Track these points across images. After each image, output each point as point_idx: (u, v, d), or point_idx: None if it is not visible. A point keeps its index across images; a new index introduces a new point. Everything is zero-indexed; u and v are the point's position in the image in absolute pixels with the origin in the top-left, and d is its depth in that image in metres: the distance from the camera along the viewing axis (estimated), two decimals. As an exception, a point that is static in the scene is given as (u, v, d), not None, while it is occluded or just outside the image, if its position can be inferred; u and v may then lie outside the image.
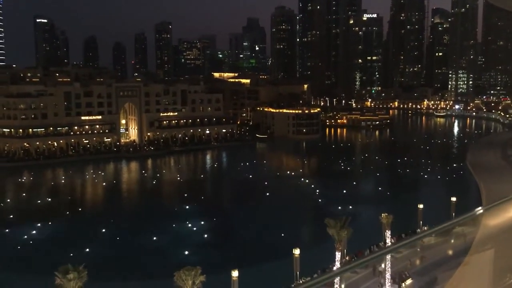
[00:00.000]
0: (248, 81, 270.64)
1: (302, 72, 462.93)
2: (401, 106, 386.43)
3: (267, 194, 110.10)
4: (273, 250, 70.54)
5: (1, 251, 72.26)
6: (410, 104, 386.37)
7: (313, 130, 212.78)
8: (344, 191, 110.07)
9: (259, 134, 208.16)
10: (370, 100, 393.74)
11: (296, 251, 48.26)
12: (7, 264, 66.54)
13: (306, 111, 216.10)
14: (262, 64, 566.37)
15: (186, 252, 71.09)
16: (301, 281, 47.93)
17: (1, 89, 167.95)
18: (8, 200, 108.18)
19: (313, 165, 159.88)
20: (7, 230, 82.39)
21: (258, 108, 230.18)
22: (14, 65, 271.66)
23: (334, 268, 48.16)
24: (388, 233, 52.79)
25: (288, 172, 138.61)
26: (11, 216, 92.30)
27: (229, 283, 44.12)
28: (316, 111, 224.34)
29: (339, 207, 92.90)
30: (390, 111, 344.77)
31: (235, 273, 43.97)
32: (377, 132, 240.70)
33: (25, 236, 78.43)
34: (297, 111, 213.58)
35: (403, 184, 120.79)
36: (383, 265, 52.49)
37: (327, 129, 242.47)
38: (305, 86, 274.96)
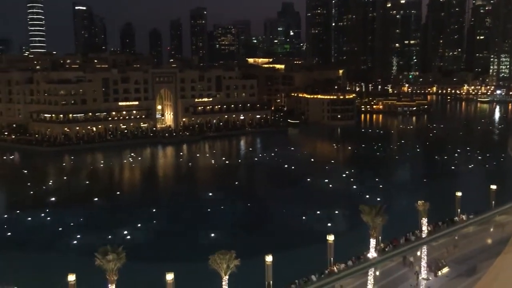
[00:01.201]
0: (282, 66, 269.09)
1: (338, 57, 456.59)
2: (440, 91, 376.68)
3: (301, 180, 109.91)
4: (306, 236, 70.62)
5: (43, 233, 75.00)
6: (449, 89, 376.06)
7: (348, 116, 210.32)
8: (379, 178, 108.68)
9: (291, 119, 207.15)
10: (407, 85, 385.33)
11: (330, 237, 48.17)
12: (50, 245, 69.03)
13: (341, 97, 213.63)
14: (296, 49, 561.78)
15: (221, 236, 72.01)
16: (335, 268, 47.90)
17: (43, 76, 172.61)
18: (50, 183, 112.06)
19: (348, 151, 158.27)
20: (49, 212, 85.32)
21: (293, 94, 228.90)
22: (54, 52, 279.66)
23: (369, 255, 47.82)
24: (424, 221, 51.94)
25: (322, 158, 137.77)
26: (53, 199, 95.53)
27: (263, 267, 44.56)
28: (351, 96, 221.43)
29: (374, 194, 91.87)
30: (428, 96, 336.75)
31: (269, 258, 44.33)
32: (414, 118, 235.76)
33: (65, 218, 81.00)
34: (332, 97, 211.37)
35: (440, 171, 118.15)
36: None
37: (363, 115, 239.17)
38: (340, 71, 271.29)
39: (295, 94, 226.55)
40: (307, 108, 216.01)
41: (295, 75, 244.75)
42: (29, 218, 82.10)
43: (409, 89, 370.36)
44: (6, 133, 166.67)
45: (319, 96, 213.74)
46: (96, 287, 42.44)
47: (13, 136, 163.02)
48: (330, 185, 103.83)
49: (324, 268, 48.42)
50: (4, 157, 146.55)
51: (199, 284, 50.01)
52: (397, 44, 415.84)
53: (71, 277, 42.98)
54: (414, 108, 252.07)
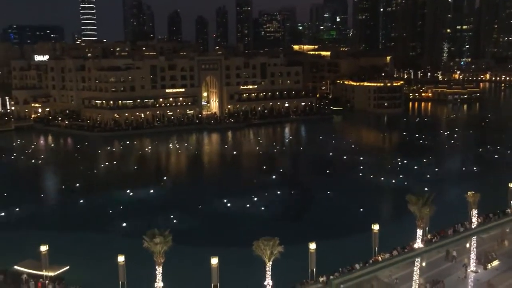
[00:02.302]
0: (328, 53, 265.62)
1: (385, 44, 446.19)
2: (494, 78, 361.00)
3: (346, 168, 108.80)
4: (351, 224, 70.11)
5: (94, 215, 77.96)
6: (503, 76, 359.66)
7: (395, 104, 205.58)
8: (427, 167, 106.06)
9: (334, 107, 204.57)
10: (458, 72, 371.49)
11: (375, 227, 47.70)
12: (100, 227, 71.68)
13: (388, 84, 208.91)
14: (343, 35, 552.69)
15: (265, 223, 72.53)
16: (379, 257, 47.45)
17: (94, 63, 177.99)
18: (101, 167, 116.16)
19: (394, 140, 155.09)
20: (99, 196, 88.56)
21: (338, 81, 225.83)
22: (105, 40, 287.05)
23: (415, 245, 47.03)
24: (474, 212, 50.44)
25: (368, 146, 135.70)
26: (103, 183, 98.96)
27: (307, 254, 44.73)
28: (398, 84, 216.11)
29: (422, 184, 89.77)
30: (481, 84, 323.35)
31: (312, 245, 44.46)
32: (465, 107, 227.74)
33: (115, 202, 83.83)
34: (378, 84, 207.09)
35: (492, 162, 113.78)
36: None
37: (410, 103, 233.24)
38: (388, 58, 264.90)
39: (341, 81, 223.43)
40: (352, 95, 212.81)
41: (341, 62, 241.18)
42: (81, 201, 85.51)
43: (460, 76, 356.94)
44: (60, 118, 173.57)
45: (365, 84, 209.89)
46: (144, 268, 43.81)
47: (66, 122, 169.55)
48: (376, 174, 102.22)
49: (368, 257, 48.07)
50: (59, 142, 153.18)
51: (243, 269, 50.74)
52: (448, 30, 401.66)
53: (121, 258, 44.75)
54: (466, 96, 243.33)
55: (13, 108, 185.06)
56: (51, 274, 48.13)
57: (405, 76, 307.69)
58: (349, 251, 55.93)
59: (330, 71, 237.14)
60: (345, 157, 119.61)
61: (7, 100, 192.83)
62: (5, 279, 48.75)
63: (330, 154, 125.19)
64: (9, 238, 60.62)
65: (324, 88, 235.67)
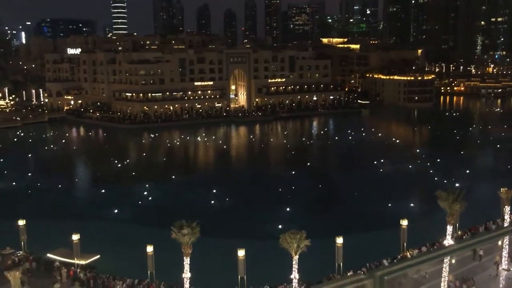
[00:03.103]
0: (357, 46, 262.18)
1: (416, 36, 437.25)
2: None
3: (375, 162, 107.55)
4: (379, 219, 69.31)
5: (124, 205, 79.38)
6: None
7: (426, 97, 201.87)
8: (459, 163, 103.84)
9: (362, 100, 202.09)
10: (492, 65, 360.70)
11: (404, 222, 47.09)
12: (130, 217, 73.02)
13: (419, 78, 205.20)
14: (373, 28, 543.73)
15: (291, 216, 72.51)
16: (408, 253, 46.83)
17: (125, 56, 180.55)
18: (131, 159, 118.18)
19: (425, 134, 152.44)
20: (129, 186, 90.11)
21: (368, 75, 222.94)
22: (135, 33, 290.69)
23: (445, 242, 46.21)
24: (507, 209, 49.15)
25: (397, 141, 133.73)
26: (133, 174, 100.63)
27: (333, 249, 44.55)
28: (430, 77, 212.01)
29: (452, 179, 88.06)
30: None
31: (339, 240, 44.23)
32: (499, 101, 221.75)
33: (145, 193, 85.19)
34: (409, 78, 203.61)
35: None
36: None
37: (442, 97, 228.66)
38: (419, 51, 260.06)
39: (370, 75, 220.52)
40: (382, 89, 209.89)
41: (370, 55, 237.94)
42: (112, 191, 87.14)
43: (494, 70, 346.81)
44: (91, 110, 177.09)
45: (396, 77, 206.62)
46: (172, 258, 44.40)
47: (98, 114, 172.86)
48: (406, 169, 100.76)
49: (396, 253, 47.53)
50: (90, 134, 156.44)
51: (269, 262, 50.89)
52: (482, 22, 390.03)
53: (149, 248, 45.52)
54: (500, 90, 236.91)
55: (46, 100, 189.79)
56: (83, 262, 49.32)
57: (437, 70, 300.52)
58: (377, 246, 55.38)
59: (359, 64, 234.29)
60: (374, 151, 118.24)
61: (41, 92, 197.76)
62: (38, 266, 50.19)
63: (359, 148, 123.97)
64: (42, 227, 62.29)
65: (353, 81, 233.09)
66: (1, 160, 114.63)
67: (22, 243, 51.59)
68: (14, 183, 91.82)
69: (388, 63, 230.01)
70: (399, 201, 77.25)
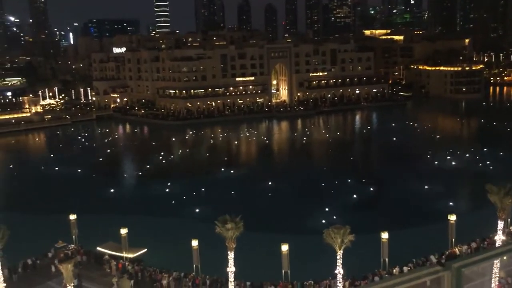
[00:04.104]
0: (401, 37, 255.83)
1: (463, 26, 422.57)
2: None
3: (421, 156, 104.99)
4: (425, 214, 67.76)
5: (169, 200, 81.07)
6: None
7: (474, 88, 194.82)
8: (509, 156, 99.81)
9: (406, 92, 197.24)
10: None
11: (452, 217, 45.82)
12: (175, 212, 74.44)
13: (467, 68, 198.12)
14: (417, 18, 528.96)
15: (335, 211, 71.93)
16: (456, 249, 45.58)
17: (167, 54, 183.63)
18: (175, 155, 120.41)
19: (473, 126, 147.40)
20: (174, 182, 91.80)
21: (412, 66, 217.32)
22: (177, 31, 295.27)
23: (496, 237, 44.63)
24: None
25: (445, 133, 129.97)
26: (177, 170, 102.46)
27: (379, 244, 43.94)
28: (478, 67, 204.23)
29: (503, 173, 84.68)
30: None
31: (384, 235, 43.58)
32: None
33: (189, 187, 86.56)
34: (455, 68, 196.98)
35: None
36: None
37: (491, 88, 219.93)
38: (466, 40, 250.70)
39: (415, 66, 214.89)
40: (427, 80, 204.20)
41: (415, 46, 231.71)
42: (157, 187, 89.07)
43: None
44: (136, 108, 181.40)
45: (441, 68, 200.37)
46: (217, 253, 45.02)
47: (143, 111, 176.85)
48: (453, 163, 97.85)
49: (444, 249, 46.35)
50: (136, 130, 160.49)
51: (313, 257, 50.76)
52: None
53: (194, 242, 46.35)
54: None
55: (94, 98, 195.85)
56: (131, 255, 50.75)
57: (485, 59, 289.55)
58: (424, 242, 54.20)
59: (403, 56, 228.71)
60: (419, 144, 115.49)
61: (89, 91, 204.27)
62: (88, 259, 52.05)
63: (404, 141, 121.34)
64: (92, 221, 64.51)
65: (396, 73, 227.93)
66: (52, 156, 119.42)
67: (74, 237, 53.60)
68: (65, 179, 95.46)
69: (433, 53, 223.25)
70: (447, 196, 75.17)
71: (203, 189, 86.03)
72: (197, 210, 74.57)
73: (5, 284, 38.55)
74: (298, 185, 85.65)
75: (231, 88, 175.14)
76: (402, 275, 38.30)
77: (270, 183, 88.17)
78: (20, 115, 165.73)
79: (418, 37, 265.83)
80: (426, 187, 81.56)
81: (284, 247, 43.31)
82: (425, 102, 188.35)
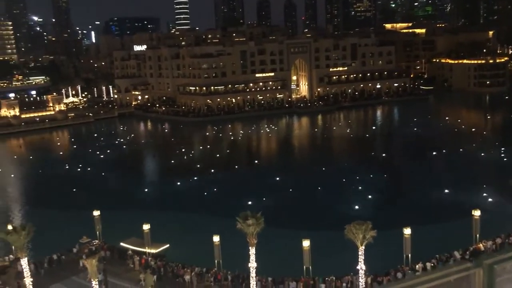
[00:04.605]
0: (423, 30, 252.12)
1: (487, 18, 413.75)
2: None
3: (444, 151, 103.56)
4: (449, 210, 66.91)
5: (191, 196, 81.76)
6: None
7: (499, 82, 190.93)
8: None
9: (427, 86, 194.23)
10: None
11: (476, 212, 45.07)
12: (197, 208, 75.03)
13: (491, 61, 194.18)
14: (439, 11, 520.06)
15: (356, 207, 71.59)
16: (481, 245, 44.85)
17: (188, 51, 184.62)
18: (196, 151, 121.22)
19: (498, 120, 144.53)
20: (195, 178, 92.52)
21: (434, 60, 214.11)
22: (197, 28, 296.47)
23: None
24: None
25: (468, 128, 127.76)
26: (199, 165, 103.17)
27: (401, 240, 43.55)
28: (503, 60, 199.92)
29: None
30: None
31: (407, 231, 43.14)
32: None
33: (210, 184, 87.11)
34: (479, 61, 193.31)
35: None
36: None
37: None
38: (490, 33, 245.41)
39: (437, 60, 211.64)
40: (450, 74, 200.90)
41: (437, 39, 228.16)
42: (179, 183, 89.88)
43: None
44: (157, 105, 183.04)
45: (465, 61, 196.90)
46: (238, 248, 45.19)
47: (163, 108, 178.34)
48: (477, 158, 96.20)
49: (468, 244, 45.65)
50: (157, 127, 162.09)
51: (335, 253, 50.60)
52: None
53: (216, 238, 46.63)
54: None
55: (116, 96, 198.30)
56: (153, 251, 51.35)
57: (510, 52, 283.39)
58: (447, 237, 53.55)
59: (425, 49, 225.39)
60: (442, 139, 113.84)
61: (111, 88, 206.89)
62: (112, 255, 52.82)
63: (426, 136, 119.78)
64: (116, 217, 65.47)
65: (418, 67, 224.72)
66: (76, 153, 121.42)
67: (97, 232, 54.46)
68: (89, 176, 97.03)
69: (456, 46, 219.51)
70: (470, 191, 74.04)
71: (224, 185, 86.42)
72: (219, 206, 74.95)
73: (31, 279, 39.40)
74: (319, 180, 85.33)
75: (251, 84, 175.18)
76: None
77: (290, 178, 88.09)
78: (44, 113, 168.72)
79: (441, 30, 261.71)
80: (449, 182, 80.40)
81: (306, 243, 43.24)
82: (448, 96, 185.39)
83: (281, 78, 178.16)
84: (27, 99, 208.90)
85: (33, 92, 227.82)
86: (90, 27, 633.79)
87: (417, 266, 43.09)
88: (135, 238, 53.75)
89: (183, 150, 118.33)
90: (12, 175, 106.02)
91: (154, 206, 75.89)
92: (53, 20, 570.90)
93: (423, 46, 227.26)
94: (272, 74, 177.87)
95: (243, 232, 39.53)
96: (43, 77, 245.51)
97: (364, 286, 38.64)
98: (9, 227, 40.53)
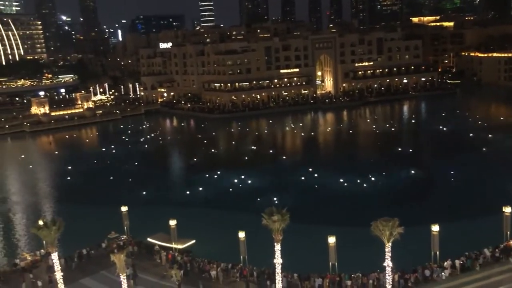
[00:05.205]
0: (451, 24, 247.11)
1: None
2: None
3: (473, 147, 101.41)
4: (478, 206, 65.58)
5: (216, 192, 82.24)
6: None
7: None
8: None
9: (454, 80, 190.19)
10: None
11: (507, 209, 44.12)
12: (222, 204, 75.42)
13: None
14: (468, 3, 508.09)
15: (383, 203, 70.72)
16: (512, 242, 43.92)
17: (212, 48, 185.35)
18: (221, 147, 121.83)
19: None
20: (221, 174, 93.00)
21: (463, 53, 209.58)
22: (221, 25, 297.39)
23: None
24: None
25: (498, 123, 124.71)
26: (224, 162, 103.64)
27: (429, 237, 42.96)
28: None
29: None
30: None
31: (435, 228, 42.55)
32: None
33: (235, 180, 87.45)
34: (510, 54, 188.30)
35: None
36: None
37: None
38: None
39: (466, 53, 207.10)
40: (479, 68, 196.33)
41: (466, 32, 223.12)
42: (204, 179, 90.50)
43: None
44: (183, 102, 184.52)
45: (495, 54, 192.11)
46: (263, 245, 45.31)
47: (189, 105, 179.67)
48: (508, 154, 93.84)
49: (498, 242, 44.74)
50: (182, 124, 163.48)
51: (361, 249, 50.17)
52: None
53: (241, 234, 46.89)
54: None
55: (142, 93, 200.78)
56: (180, 246, 51.96)
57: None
58: (476, 235, 52.48)
59: (453, 42, 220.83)
60: (471, 134, 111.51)
61: (137, 86, 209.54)
62: (140, 250, 53.66)
63: (454, 131, 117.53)
64: (143, 213, 66.46)
65: (446, 61, 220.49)
66: (104, 150, 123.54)
67: (125, 228, 55.43)
68: (117, 172, 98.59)
69: (486, 39, 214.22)
70: (501, 188, 72.31)
71: (249, 181, 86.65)
72: (244, 202, 75.18)
73: (62, 273, 40.32)
74: (344, 176, 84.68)
75: (276, 80, 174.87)
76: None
77: (316, 174, 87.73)
78: (73, 111, 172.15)
79: (469, 22, 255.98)
80: (479, 178, 78.77)
81: (331, 239, 43.10)
82: (477, 90, 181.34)
83: (306, 74, 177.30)
84: (56, 97, 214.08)
85: (62, 90, 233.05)
86: (116, 25, 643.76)
87: (445, 263, 42.48)
88: (162, 234, 54.47)
89: (209, 146, 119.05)
90: (43, 172, 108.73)
91: (180, 201, 76.67)
92: (81, 19, 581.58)
93: (452, 40, 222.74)
94: (297, 70, 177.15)
95: (268, 228, 39.62)
96: (72, 75, 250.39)
97: (391, 283, 38.26)
98: (40, 222, 41.46)
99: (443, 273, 41.65)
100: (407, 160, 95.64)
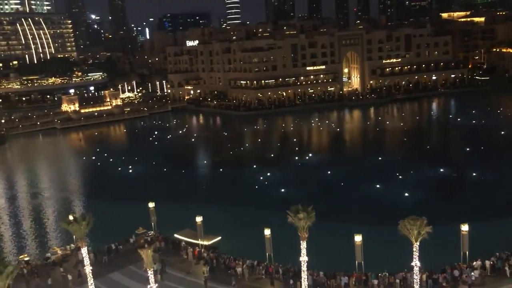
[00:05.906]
0: (482, 19, 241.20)
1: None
2: None
3: (504, 145, 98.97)
4: (509, 207, 64.02)
5: (242, 188, 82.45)
6: None
7: None
8: None
9: (483, 77, 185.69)
10: None
11: (540, 210, 42.94)
12: (248, 201, 75.49)
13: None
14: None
15: (411, 202, 69.79)
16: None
17: (238, 45, 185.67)
18: (247, 144, 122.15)
19: None
20: (247, 170, 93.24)
21: (494, 49, 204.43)
22: (248, 22, 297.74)
23: None
24: None
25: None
26: (250, 159, 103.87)
27: (458, 236, 42.24)
28: None
29: None
30: None
31: (464, 227, 41.82)
32: None
33: (261, 177, 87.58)
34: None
35: None
36: None
37: None
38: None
39: (498, 49, 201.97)
40: (511, 64, 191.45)
41: (497, 28, 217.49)
42: (231, 176, 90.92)
43: None
44: (209, 99, 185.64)
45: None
46: (289, 242, 45.30)
47: (215, 102, 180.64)
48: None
49: (531, 243, 43.67)
50: (209, 121, 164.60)
51: (388, 248, 49.64)
52: None
53: (267, 231, 47.02)
54: None
55: (169, 91, 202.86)
56: (206, 243, 52.43)
57: None
58: (507, 235, 51.27)
59: (484, 38, 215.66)
60: (502, 132, 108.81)
61: (164, 83, 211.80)
62: (166, 245, 54.37)
63: (485, 129, 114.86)
64: (170, 209, 67.20)
65: (477, 57, 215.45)
66: (132, 147, 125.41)
67: (152, 224, 56.26)
68: (144, 169, 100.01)
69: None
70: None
71: (275, 178, 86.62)
72: (270, 199, 75.26)
73: (91, 267, 41.18)
74: (372, 174, 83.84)
75: (302, 78, 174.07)
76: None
77: (342, 172, 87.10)
78: (102, 108, 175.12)
79: (501, 18, 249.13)
80: (509, 176, 76.82)
81: (358, 238, 42.80)
82: (509, 87, 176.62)
83: (332, 71, 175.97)
84: (86, 95, 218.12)
85: (92, 88, 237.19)
86: (144, 24, 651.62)
87: (474, 263, 41.70)
88: (188, 230, 55.05)
89: (235, 143, 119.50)
90: (73, 168, 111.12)
91: (206, 198, 77.22)
92: (110, 18, 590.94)
93: (482, 35, 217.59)
94: (323, 67, 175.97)
95: (294, 226, 39.60)
96: (101, 73, 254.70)
97: (419, 283, 37.77)
98: (70, 217, 42.45)
99: (472, 273, 40.88)
100: (436, 158, 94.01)
